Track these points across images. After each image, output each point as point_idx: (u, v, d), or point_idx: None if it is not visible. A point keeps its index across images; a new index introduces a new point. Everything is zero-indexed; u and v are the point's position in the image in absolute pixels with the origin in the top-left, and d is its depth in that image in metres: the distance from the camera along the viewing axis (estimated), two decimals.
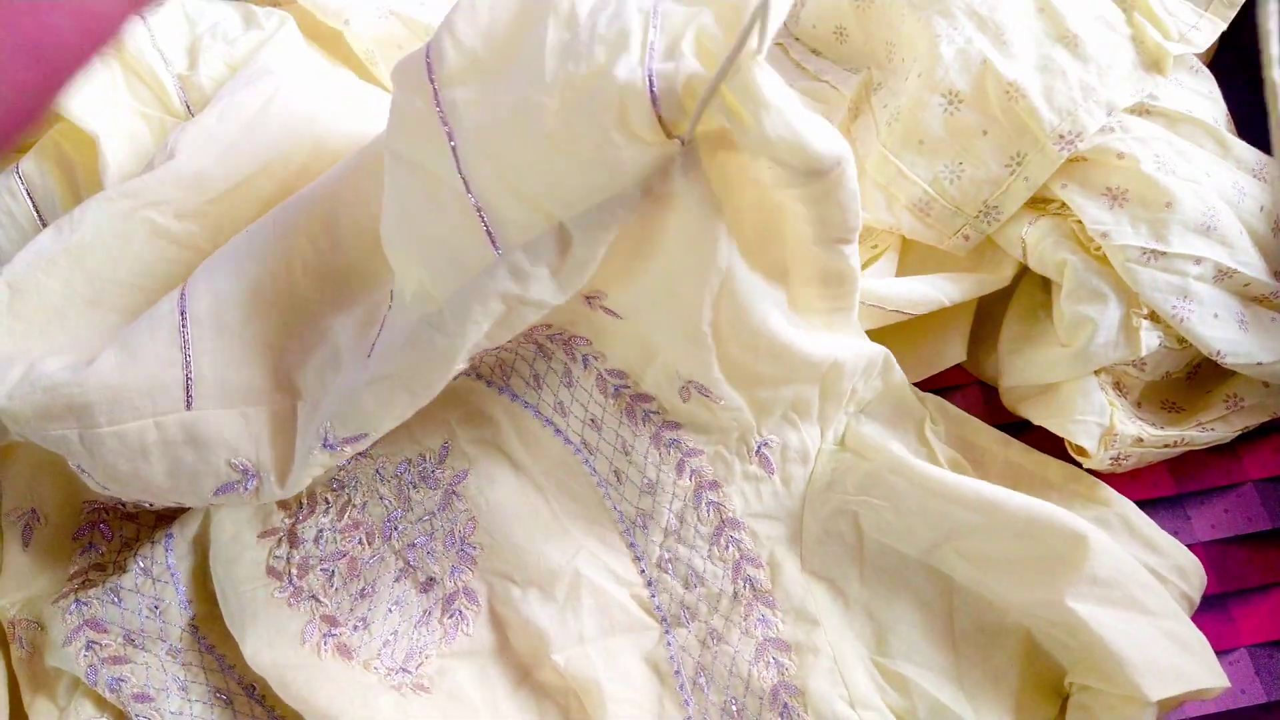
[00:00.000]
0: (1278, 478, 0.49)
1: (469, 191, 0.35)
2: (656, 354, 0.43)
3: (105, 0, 0.25)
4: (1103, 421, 0.45)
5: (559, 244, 0.34)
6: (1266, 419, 0.47)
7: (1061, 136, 0.44)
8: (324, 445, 0.40)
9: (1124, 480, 0.47)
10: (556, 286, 0.36)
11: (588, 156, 0.33)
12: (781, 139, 0.32)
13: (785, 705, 0.43)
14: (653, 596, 0.45)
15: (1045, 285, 0.49)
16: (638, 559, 0.46)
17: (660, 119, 0.32)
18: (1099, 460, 0.46)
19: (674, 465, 0.45)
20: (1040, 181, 0.45)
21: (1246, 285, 0.44)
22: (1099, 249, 0.44)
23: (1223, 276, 0.44)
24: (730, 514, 0.45)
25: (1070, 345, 0.46)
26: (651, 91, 0.31)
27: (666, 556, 0.45)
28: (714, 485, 0.45)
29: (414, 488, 0.47)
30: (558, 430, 0.46)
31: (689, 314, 0.39)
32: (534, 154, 0.34)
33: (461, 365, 0.38)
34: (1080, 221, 0.45)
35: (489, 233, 0.35)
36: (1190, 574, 0.44)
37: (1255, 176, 0.47)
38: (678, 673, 0.45)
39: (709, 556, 0.45)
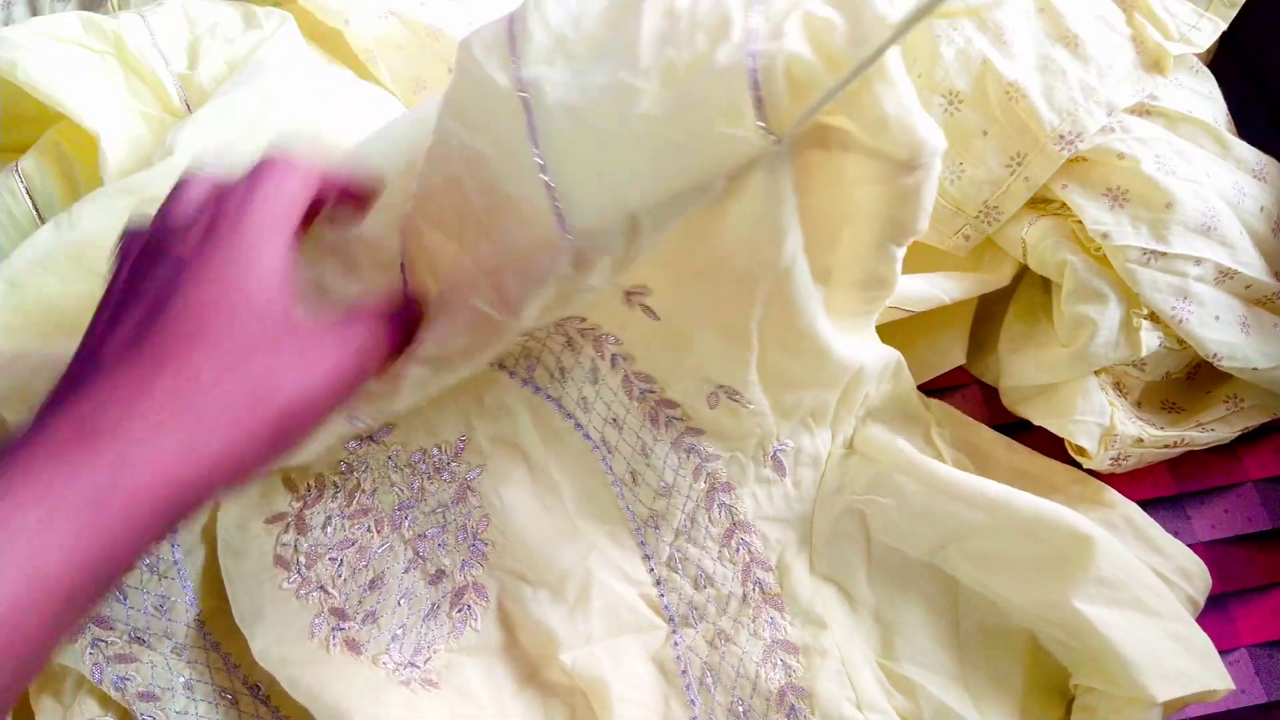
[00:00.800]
0: (1278, 478, 0.49)
1: (543, 172, 0.33)
2: (687, 356, 0.43)
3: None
4: (1103, 422, 0.45)
5: (628, 233, 0.33)
6: (1266, 419, 0.47)
7: (1062, 137, 0.44)
8: (347, 417, 0.39)
9: (1124, 480, 0.47)
10: (612, 275, 0.34)
11: (681, 142, 0.31)
12: (897, 119, 0.31)
13: (792, 707, 0.43)
14: (661, 596, 0.45)
15: (1045, 285, 0.49)
16: (647, 557, 0.45)
17: (761, 103, 0.30)
18: (1099, 461, 0.46)
19: (691, 470, 0.45)
20: (1040, 182, 0.45)
21: (1248, 287, 0.45)
22: (1099, 249, 0.44)
23: (1224, 278, 0.44)
24: (741, 516, 0.45)
25: (1070, 345, 0.46)
26: (753, 76, 0.30)
27: (676, 556, 0.45)
28: (727, 487, 0.45)
29: (428, 478, 0.46)
30: (578, 425, 0.46)
31: (735, 311, 0.38)
32: (623, 136, 0.32)
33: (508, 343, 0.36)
34: (1080, 222, 0.45)
35: (559, 214, 0.33)
36: (1194, 576, 0.44)
37: (1255, 176, 0.47)
38: (684, 672, 0.44)
39: (719, 558, 0.45)
